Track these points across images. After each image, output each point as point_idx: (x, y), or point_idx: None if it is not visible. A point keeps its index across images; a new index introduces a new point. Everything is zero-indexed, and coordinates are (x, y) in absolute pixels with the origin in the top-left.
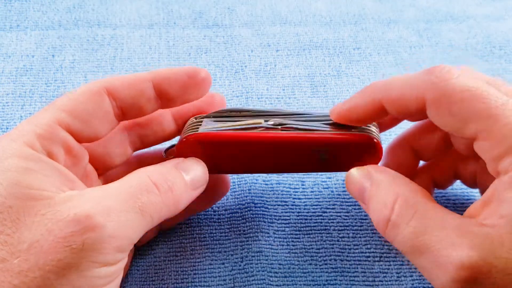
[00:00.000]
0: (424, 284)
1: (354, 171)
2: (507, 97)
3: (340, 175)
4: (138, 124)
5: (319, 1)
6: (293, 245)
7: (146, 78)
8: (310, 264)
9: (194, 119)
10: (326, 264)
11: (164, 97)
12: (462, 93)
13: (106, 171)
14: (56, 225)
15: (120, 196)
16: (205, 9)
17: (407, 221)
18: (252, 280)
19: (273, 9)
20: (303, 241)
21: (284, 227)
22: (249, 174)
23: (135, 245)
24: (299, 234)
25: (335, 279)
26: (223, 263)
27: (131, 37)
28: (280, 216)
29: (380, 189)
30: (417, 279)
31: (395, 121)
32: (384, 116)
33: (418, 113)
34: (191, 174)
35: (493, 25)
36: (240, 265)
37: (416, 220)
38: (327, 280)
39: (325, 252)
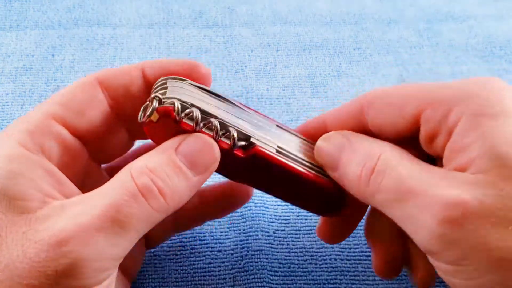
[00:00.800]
0: None
1: (330, 134)
2: None
3: None
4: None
5: (319, 1)
6: (293, 245)
7: (136, 67)
8: (310, 263)
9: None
10: (326, 263)
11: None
12: None
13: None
14: (32, 248)
15: (99, 209)
16: (205, 8)
17: (394, 167)
18: (252, 279)
19: (273, 9)
20: (303, 241)
21: (284, 226)
22: None
23: (148, 245)
24: (299, 233)
25: (335, 278)
26: (223, 262)
27: (131, 37)
28: (280, 215)
29: (363, 144)
30: None
31: None
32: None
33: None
34: (196, 165)
35: (494, 25)
36: (240, 264)
37: (402, 166)
38: (327, 279)
39: (325, 252)
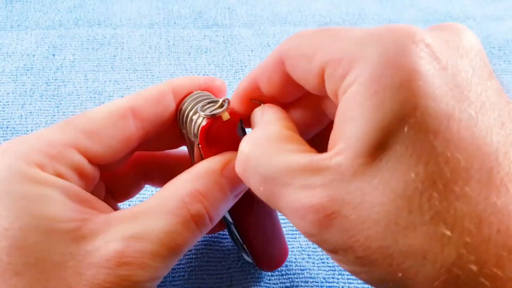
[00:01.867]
0: None
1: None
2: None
3: None
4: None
5: (319, 1)
6: (290, 244)
7: (166, 91)
8: (307, 262)
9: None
10: (323, 262)
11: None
12: None
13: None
14: (87, 270)
15: (155, 236)
16: (205, 9)
17: (254, 167)
18: (250, 278)
19: (273, 9)
20: (299, 240)
21: (282, 226)
22: None
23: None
24: (296, 233)
25: (333, 277)
26: (220, 261)
27: (131, 37)
28: (278, 214)
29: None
30: None
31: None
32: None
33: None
34: (236, 188)
35: (493, 25)
36: (237, 264)
37: (261, 166)
38: (324, 278)
39: (322, 250)
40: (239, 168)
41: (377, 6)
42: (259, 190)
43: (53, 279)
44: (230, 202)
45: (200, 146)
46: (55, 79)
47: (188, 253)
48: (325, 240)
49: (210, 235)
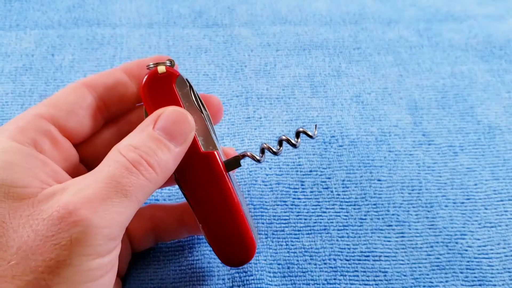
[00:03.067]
0: (424, 283)
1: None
2: None
3: (340, 175)
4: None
5: (319, 1)
6: (292, 245)
7: (117, 68)
8: (309, 263)
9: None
10: (325, 263)
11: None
12: None
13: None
14: (41, 225)
15: (101, 183)
16: (205, 8)
17: None
18: (251, 280)
19: (273, 8)
20: (302, 241)
21: (284, 227)
22: (248, 176)
23: (132, 252)
24: (298, 234)
25: (335, 279)
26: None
27: (130, 36)
28: (280, 216)
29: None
30: (417, 278)
31: None
32: None
33: None
34: (174, 137)
35: (494, 25)
36: None
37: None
38: (326, 280)
39: (324, 252)
40: None
41: (377, 5)
42: None
43: (12, 239)
44: (176, 152)
45: (144, 105)
46: (55, 79)
47: (190, 255)
48: None
49: None
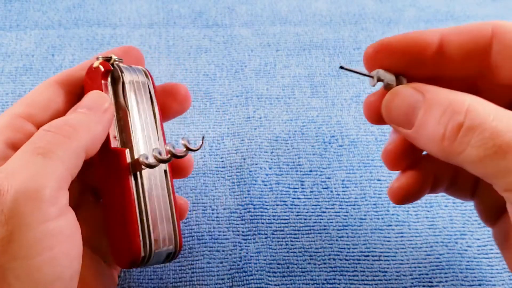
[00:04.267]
0: (424, 283)
1: (399, 88)
2: None
3: (340, 175)
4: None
5: (319, 1)
6: (292, 245)
7: (88, 61)
8: (309, 263)
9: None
10: (325, 263)
11: None
12: None
13: None
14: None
15: (19, 153)
16: (205, 8)
17: (486, 122)
18: (251, 280)
19: (273, 8)
20: (302, 241)
21: (283, 227)
22: (247, 176)
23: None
24: (298, 233)
25: (334, 278)
26: (221, 262)
27: (130, 37)
28: (279, 216)
29: (441, 97)
30: (416, 278)
31: None
32: None
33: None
34: (92, 108)
35: None
36: (238, 265)
37: (496, 120)
38: (326, 280)
39: (324, 252)
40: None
41: (377, 6)
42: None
43: None
44: (88, 114)
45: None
46: None
47: (189, 255)
48: None
49: (210, 236)
